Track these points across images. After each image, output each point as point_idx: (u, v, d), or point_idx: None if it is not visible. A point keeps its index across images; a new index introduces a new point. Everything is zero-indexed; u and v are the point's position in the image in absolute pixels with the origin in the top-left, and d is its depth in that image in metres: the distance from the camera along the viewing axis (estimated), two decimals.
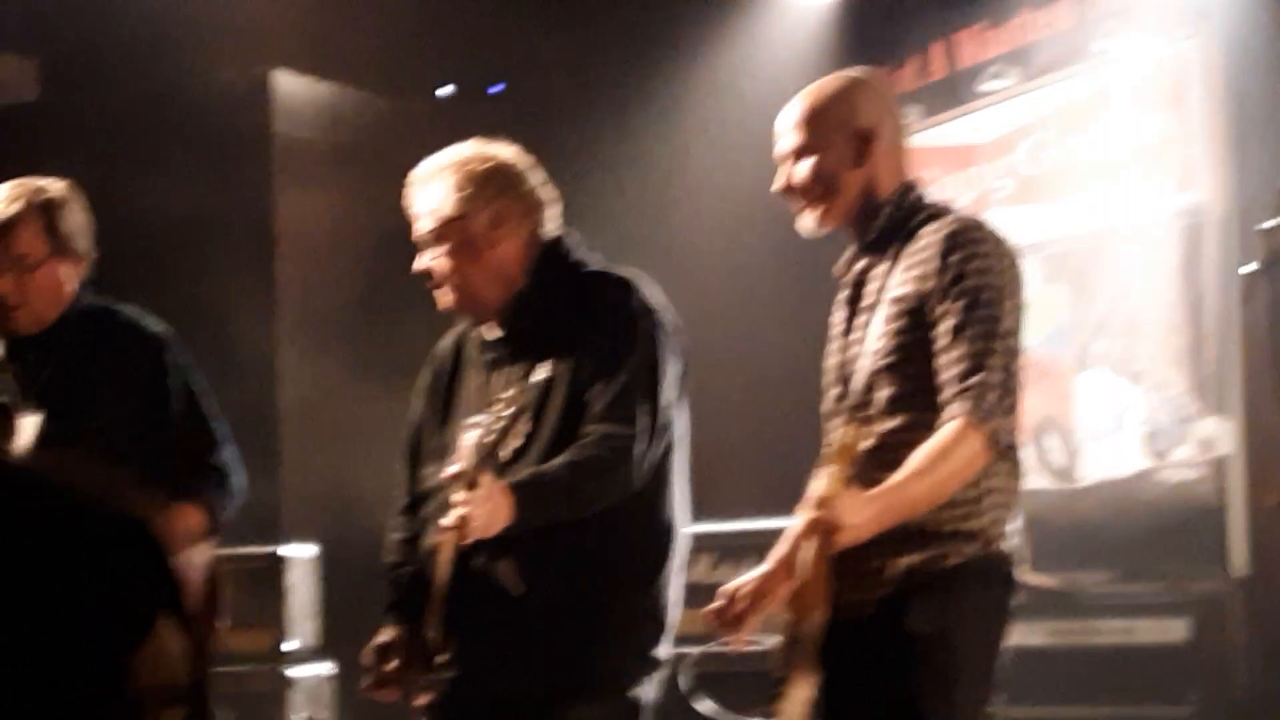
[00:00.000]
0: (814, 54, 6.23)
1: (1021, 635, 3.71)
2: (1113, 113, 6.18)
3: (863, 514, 3.38)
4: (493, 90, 6.88)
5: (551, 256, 3.85)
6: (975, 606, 3.57)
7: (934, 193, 3.85)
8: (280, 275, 6.35)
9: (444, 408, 3.93)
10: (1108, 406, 6.06)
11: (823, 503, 3.32)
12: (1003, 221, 3.88)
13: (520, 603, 3.70)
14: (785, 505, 4.08)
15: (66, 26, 6.16)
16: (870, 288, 3.71)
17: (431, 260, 3.82)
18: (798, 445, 4.07)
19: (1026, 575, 3.73)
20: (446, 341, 4.03)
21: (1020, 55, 6.52)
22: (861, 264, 3.74)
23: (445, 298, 3.86)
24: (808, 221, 3.76)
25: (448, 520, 3.55)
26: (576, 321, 3.78)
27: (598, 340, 3.74)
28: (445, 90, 6.92)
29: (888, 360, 3.61)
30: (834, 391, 3.76)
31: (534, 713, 3.70)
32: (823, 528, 3.36)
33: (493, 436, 3.58)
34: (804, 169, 3.71)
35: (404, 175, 3.91)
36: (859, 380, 3.65)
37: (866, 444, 3.43)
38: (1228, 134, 5.88)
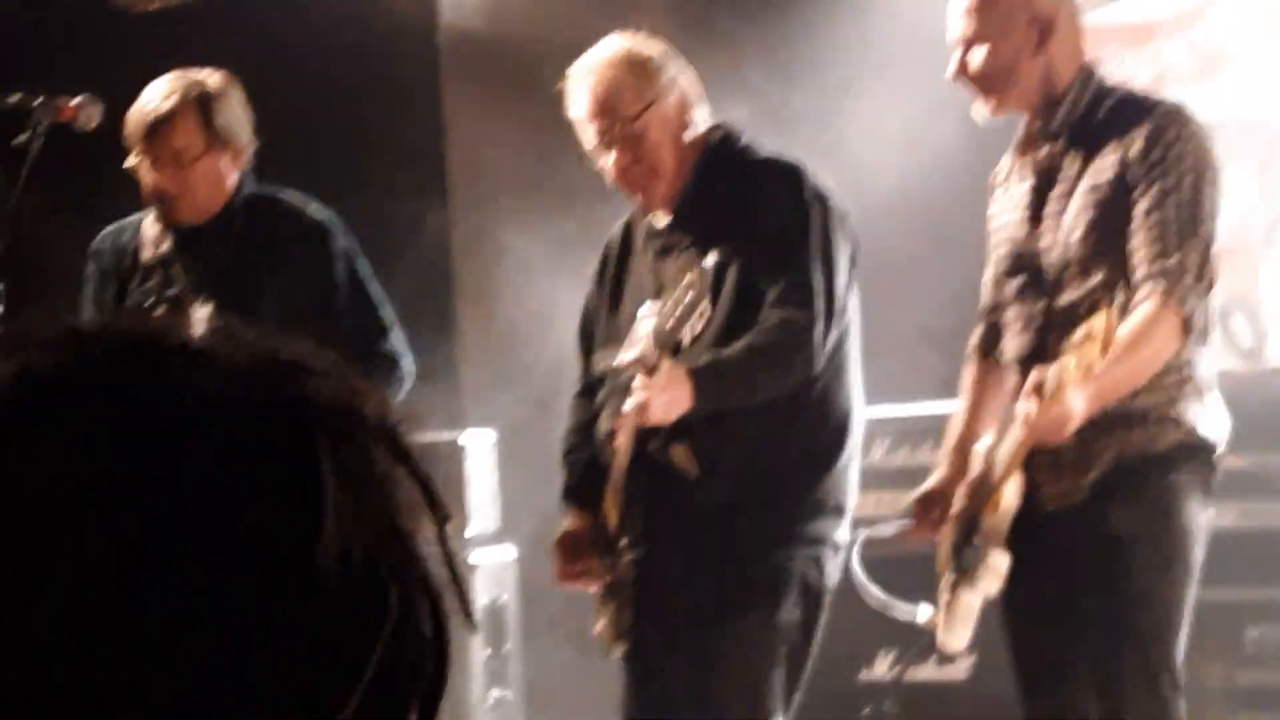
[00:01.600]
0: None
1: (1212, 517, 3.62)
2: None
3: (1084, 410, 3.31)
4: None
5: (721, 145, 3.83)
6: (1183, 491, 3.53)
7: (1111, 72, 3.71)
8: (451, 161, 6.32)
9: (614, 294, 3.93)
10: None
11: (1055, 394, 3.23)
12: (1184, 99, 3.73)
13: (697, 487, 3.66)
14: (958, 388, 4.00)
15: None
16: (1062, 175, 3.61)
17: (604, 156, 3.77)
18: (973, 329, 3.97)
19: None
20: (615, 228, 4.00)
21: None
22: (1046, 150, 3.63)
23: (626, 191, 3.81)
24: (983, 109, 3.67)
25: (628, 405, 3.52)
26: (747, 208, 3.75)
27: (771, 226, 3.71)
28: None
29: (1088, 250, 3.51)
30: (1018, 279, 3.66)
31: (713, 597, 3.67)
32: (1056, 426, 3.27)
33: (673, 321, 3.53)
34: (979, 57, 3.63)
35: (573, 62, 3.85)
36: (1055, 269, 3.55)
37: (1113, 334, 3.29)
38: None
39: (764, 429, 3.70)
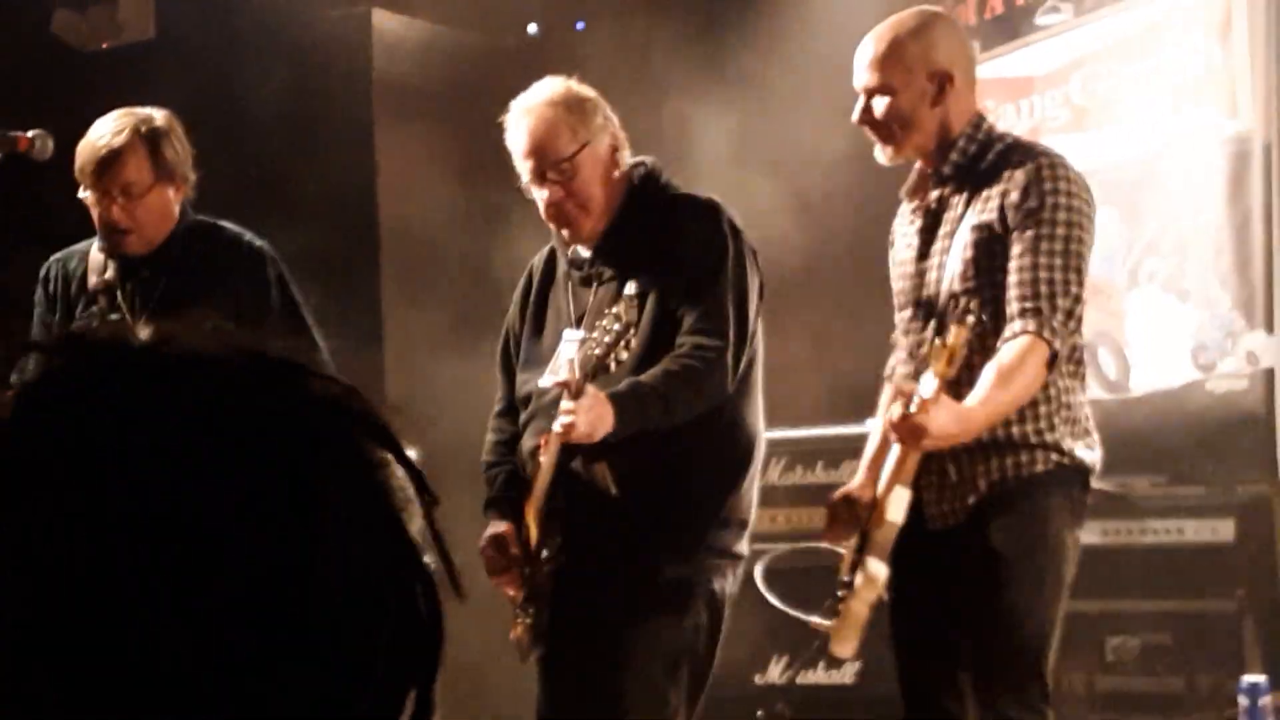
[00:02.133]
0: None
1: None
2: (1163, 45, 6.07)
3: (950, 427, 3.36)
4: (576, 27, 6.82)
5: (644, 183, 3.82)
6: (1055, 513, 3.57)
7: (992, 122, 3.77)
8: (382, 202, 6.31)
9: (536, 319, 3.92)
10: (1157, 322, 5.97)
11: (920, 406, 3.29)
12: (1057, 148, 3.80)
13: (615, 502, 3.68)
14: (848, 414, 4.06)
15: None
16: (949, 215, 3.66)
17: (537, 195, 3.78)
18: (860, 359, 4.04)
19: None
20: (539, 256, 4.01)
21: None
22: (937, 193, 3.68)
23: (555, 225, 3.81)
24: (883, 153, 3.70)
25: (556, 425, 3.53)
26: (667, 241, 3.76)
27: (689, 258, 3.74)
28: (531, 28, 6.86)
29: (968, 284, 3.57)
30: (909, 311, 3.71)
31: (626, 604, 3.69)
32: (911, 430, 3.33)
33: (601, 349, 3.55)
34: (881, 106, 3.66)
35: (498, 107, 3.86)
36: (939, 301, 3.61)
37: (963, 349, 3.36)
38: (1273, 65, 5.74)
39: (678, 448, 3.73)
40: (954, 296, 3.61)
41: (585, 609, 3.75)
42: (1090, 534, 4.48)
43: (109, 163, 4.08)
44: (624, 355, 3.61)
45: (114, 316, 4.19)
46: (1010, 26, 6.51)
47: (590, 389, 3.54)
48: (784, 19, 6.45)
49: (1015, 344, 3.45)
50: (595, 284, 3.81)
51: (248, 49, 6.14)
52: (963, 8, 6.57)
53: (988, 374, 3.44)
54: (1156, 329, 5.99)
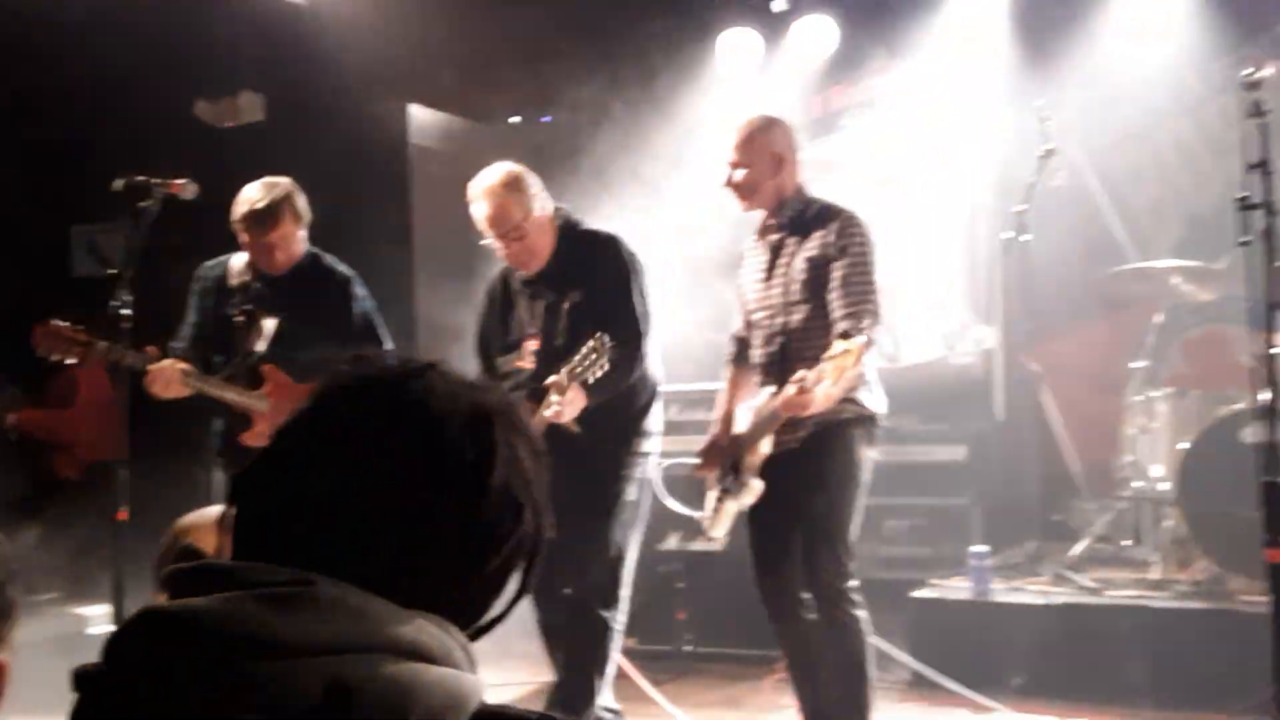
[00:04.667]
0: (751, 97, 6.10)
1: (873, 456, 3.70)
2: (922, 143, 6.11)
3: (823, 402, 3.35)
4: (543, 119, 6.75)
5: (564, 224, 3.82)
6: (855, 442, 3.59)
7: (815, 190, 3.79)
8: (416, 246, 6.22)
9: (503, 321, 3.93)
10: (919, 316, 6.03)
11: (809, 385, 3.27)
12: (859, 206, 3.82)
13: (576, 437, 3.67)
14: (717, 374, 4.05)
15: (284, 70, 6.00)
16: (785, 252, 3.67)
17: (497, 245, 3.77)
18: (722, 342, 4.03)
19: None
20: (495, 275, 4.04)
21: (865, 105, 6.41)
22: (775, 236, 3.69)
23: (509, 260, 3.81)
24: (741, 206, 3.69)
25: (548, 413, 3.55)
26: (586, 265, 3.76)
27: (604, 277, 3.75)
28: (514, 118, 6.78)
29: (803, 297, 3.57)
30: (761, 313, 3.71)
31: (589, 498, 3.72)
32: (802, 405, 3.32)
33: (581, 369, 3.63)
34: (739, 175, 3.64)
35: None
36: (782, 310, 3.61)
37: (852, 358, 3.30)
38: (994, 151, 5.80)
39: (615, 397, 3.77)
40: (791, 304, 3.63)
41: (557, 509, 3.71)
42: (876, 454, 4.53)
43: (263, 217, 4.01)
44: (597, 373, 3.63)
45: (246, 306, 4.14)
46: (827, 123, 6.55)
47: (574, 387, 3.61)
48: (679, 121, 6.44)
49: (847, 343, 3.46)
50: (540, 298, 3.88)
51: (325, 130, 6.03)
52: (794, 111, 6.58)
53: (828, 365, 3.45)
54: (918, 321, 6.07)
